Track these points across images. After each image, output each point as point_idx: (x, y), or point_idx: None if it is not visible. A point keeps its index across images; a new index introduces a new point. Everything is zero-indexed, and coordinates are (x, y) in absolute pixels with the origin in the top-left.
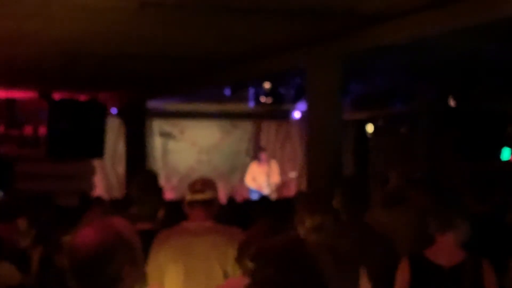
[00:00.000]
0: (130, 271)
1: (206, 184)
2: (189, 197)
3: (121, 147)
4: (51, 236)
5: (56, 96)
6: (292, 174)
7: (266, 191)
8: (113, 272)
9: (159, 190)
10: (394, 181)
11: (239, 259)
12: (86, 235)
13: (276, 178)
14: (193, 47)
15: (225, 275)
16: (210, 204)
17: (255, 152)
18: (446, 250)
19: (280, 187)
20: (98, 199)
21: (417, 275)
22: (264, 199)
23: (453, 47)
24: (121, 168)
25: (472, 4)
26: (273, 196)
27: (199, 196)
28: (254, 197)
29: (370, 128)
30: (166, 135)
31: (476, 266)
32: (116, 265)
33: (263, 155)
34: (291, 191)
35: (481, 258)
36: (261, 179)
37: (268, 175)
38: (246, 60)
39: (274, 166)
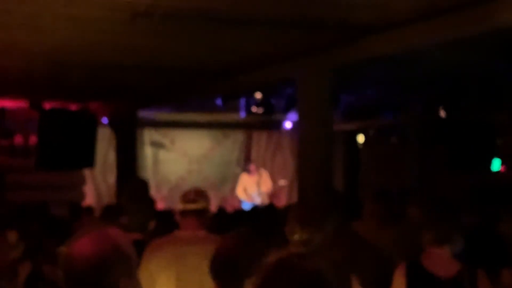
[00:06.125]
0: (126, 283)
1: (198, 194)
2: (181, 206)
3: (111, 157)
4: (42, 248)
5: (47, 105)
6: (282, 182)
7: (257, 200)
8: (109, 284)
9: (150, 201)
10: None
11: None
12: (82, 246)
13: (267, 187)
14: (184, 58)
15: None
16: (202, 214)
17: (245, 164)
18: (441, 263)
19: (271, 196)
20: (89, 209)
21: (413, 283)
22: (254, 209)
23: (443, 59)
24: (111, 178)
25: (462, 16)
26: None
27: (191, 206)
28: (246, 208)
29: (361, 138)
30: (156, 145)
31: (472, 277)
32: (112, 277)
33: (251, 167)
34: (281, 200)
35: (476, 268)
36: (251, 189)
37: (259, 184)
38: (237, 71)
39: (265, 175)
